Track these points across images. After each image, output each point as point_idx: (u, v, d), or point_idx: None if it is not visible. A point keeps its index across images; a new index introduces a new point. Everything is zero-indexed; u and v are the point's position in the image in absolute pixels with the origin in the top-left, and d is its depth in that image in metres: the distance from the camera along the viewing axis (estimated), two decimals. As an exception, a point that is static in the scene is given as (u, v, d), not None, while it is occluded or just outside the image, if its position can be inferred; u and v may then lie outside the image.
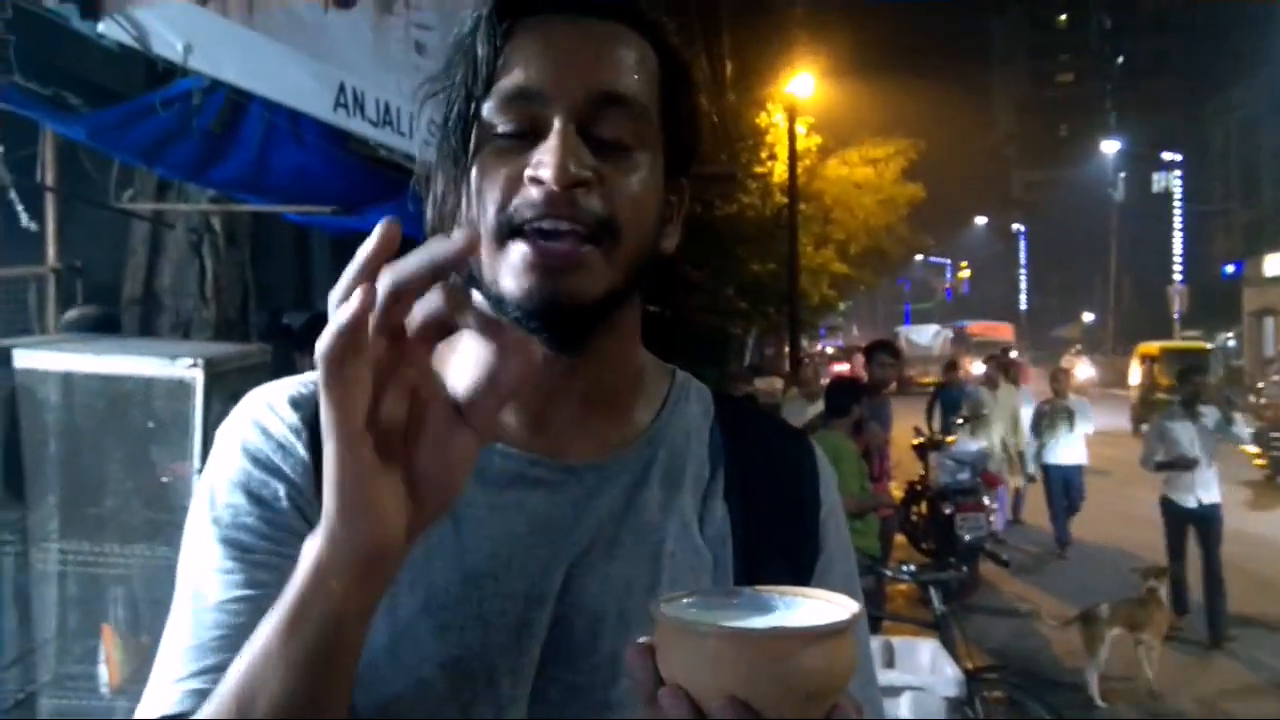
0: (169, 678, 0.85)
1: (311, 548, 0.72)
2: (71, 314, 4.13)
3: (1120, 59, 71.07)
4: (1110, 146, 60.13)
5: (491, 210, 0.89)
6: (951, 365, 15.52)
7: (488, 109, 0.90)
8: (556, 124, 0.88)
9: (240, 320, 6.65)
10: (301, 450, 0.92)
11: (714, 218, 19.61)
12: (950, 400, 13.03)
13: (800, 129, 21.63)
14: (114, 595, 2.92)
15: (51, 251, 5.44)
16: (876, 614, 5.87)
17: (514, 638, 0.89)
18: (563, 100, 0.88)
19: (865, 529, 6.16)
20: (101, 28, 2.52)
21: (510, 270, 0.88)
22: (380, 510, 0.70)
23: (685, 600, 0.73)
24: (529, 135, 0.89)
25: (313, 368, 1.07)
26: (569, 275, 0.87)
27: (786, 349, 22.46)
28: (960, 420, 12.38)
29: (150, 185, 5.97)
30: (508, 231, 0.88)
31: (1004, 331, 45.71)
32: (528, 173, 0.87)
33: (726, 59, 20.67)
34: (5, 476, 2.41)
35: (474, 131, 0.91)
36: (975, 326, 47.15)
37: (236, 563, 0.88)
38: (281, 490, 0.91)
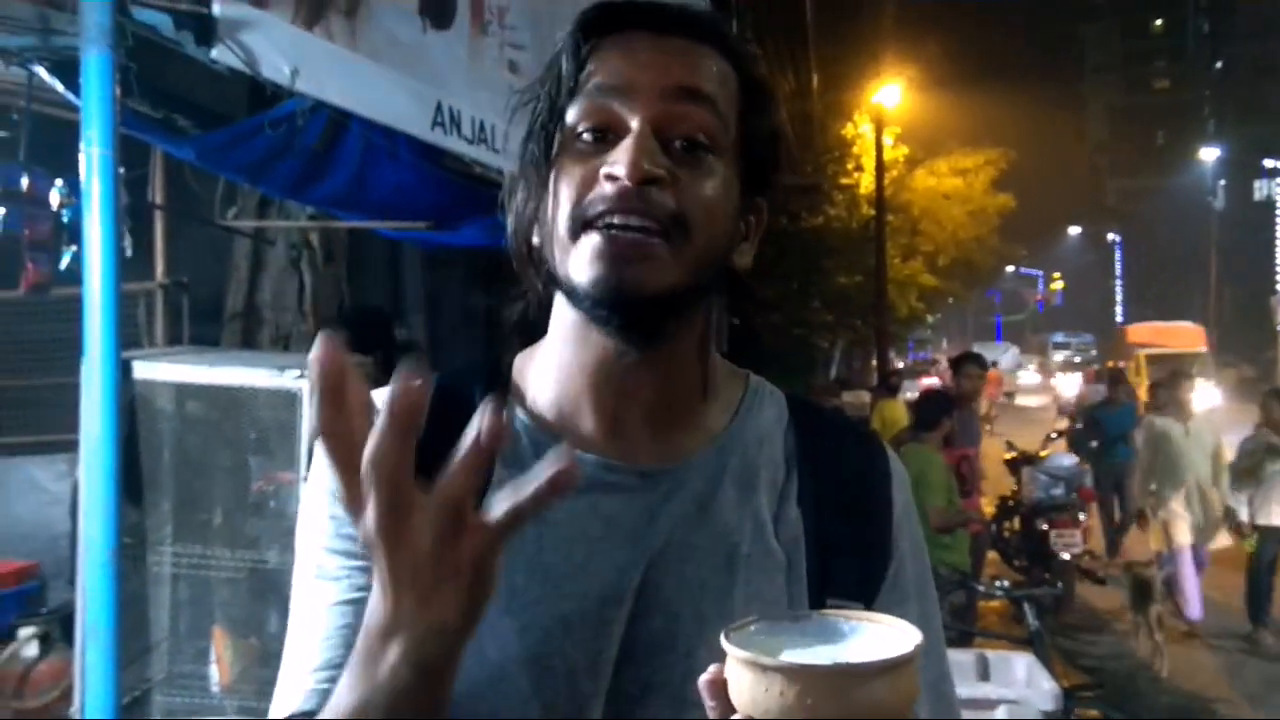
0: (293, 679, 0.93)
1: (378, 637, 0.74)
2: None
3: (1219, 64, 69.24)
4: (1209, 154, 58.62)
5: (567, 206, 0.93)
6: (1115, 380, 12.35)
7: (571, 113, 0.95)
8: (634, 124, 0.92)
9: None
10: None
11: (800, 230, 19.53)
12: (1115, 427, 10.49)
13: (887, 140, 21.46)
14: (223, 598, 3.03)
15: (160, 267, 5.64)
16: (968, 630, 5.79)
17: (592, 636, 0.93)
18: (641, 96, 0.93)
19: (955, 544, 6.08)
20: (215, 53, 2.63)
21: (581, 260, 0.91)
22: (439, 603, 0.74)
23: (752, 628, 0.76)
24: (608, 137, 0.93)
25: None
26: (636, 265, 0.90)
27: (874, 362, 22.23)
28: (1053, 436, 11.91)
29: (252, 203, 6.15)
30: (580, 226, 0.92)
31: (1189, 337, 30.11)
32: (603, 170, 0.91)
33: (813, 70, 20.60)
34: (125, 483, 2.52)
35: (556, 137, 0.95)
36: (1140, 330, 32.05)
37: (341, 569, 0.95)
38: None
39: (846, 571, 0.99)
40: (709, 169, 0.95)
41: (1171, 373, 9.75)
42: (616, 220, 0.90)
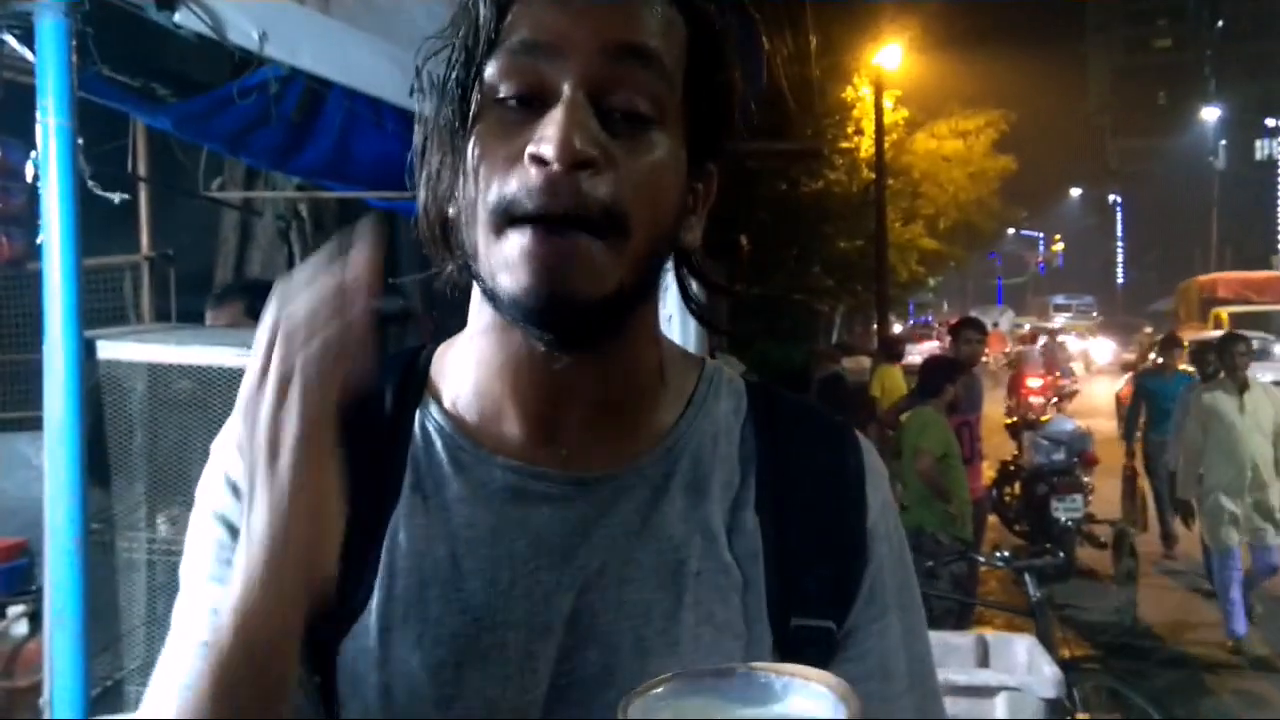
0: (155, 704, 0.83)
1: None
2: None
3: (1220, 23, 68.69)
4: (1210, 114, 58.35)
5: (487, 193, 0.79)
6: (1169, 344, 10.49)
7: (490, 70, 0.81)
8: (565, 90, 0.78)
9: (328, 305, 6.73)
10: None
11: (800, 194, 19.45)
12: (1162, 397, 9.38)
13: (887, 102, 21.30)
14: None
15: (145, 240, 5.57)
16: (970, 601, 5.75)
17: (517, 674, 0.82)
18: (575, 57, 0.79)
19: (959, 513, 6.01)
20: (178, 18, 2.53)
21: (506, 264, 0.78)
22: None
23: (659, 690, 0.63)
24: (534, 103, 0.80)
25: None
26: (570, 272, 0.77)
27: (875, 326, 22.20)
28: (1055, 400, 11.84)
29: (239, 173, 6.07)
30: (504, 220, 0.79)
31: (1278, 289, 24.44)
32: (529, 150, 0.77)
33: (810, 31, 20.38)
34: (93, 466, 2.45)
35: (473, 97, 0.82)
36: (1217, 281, 25.53)
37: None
38: None
39: (813, 586, 0.87)
40: (652, 143, 0.81)
41: (1226, 335, 8.25)
42: (546, 213, 0.77)
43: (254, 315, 3.61)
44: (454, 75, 0.82)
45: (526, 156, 0.78)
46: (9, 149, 3.83)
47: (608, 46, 0.80)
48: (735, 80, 0.89)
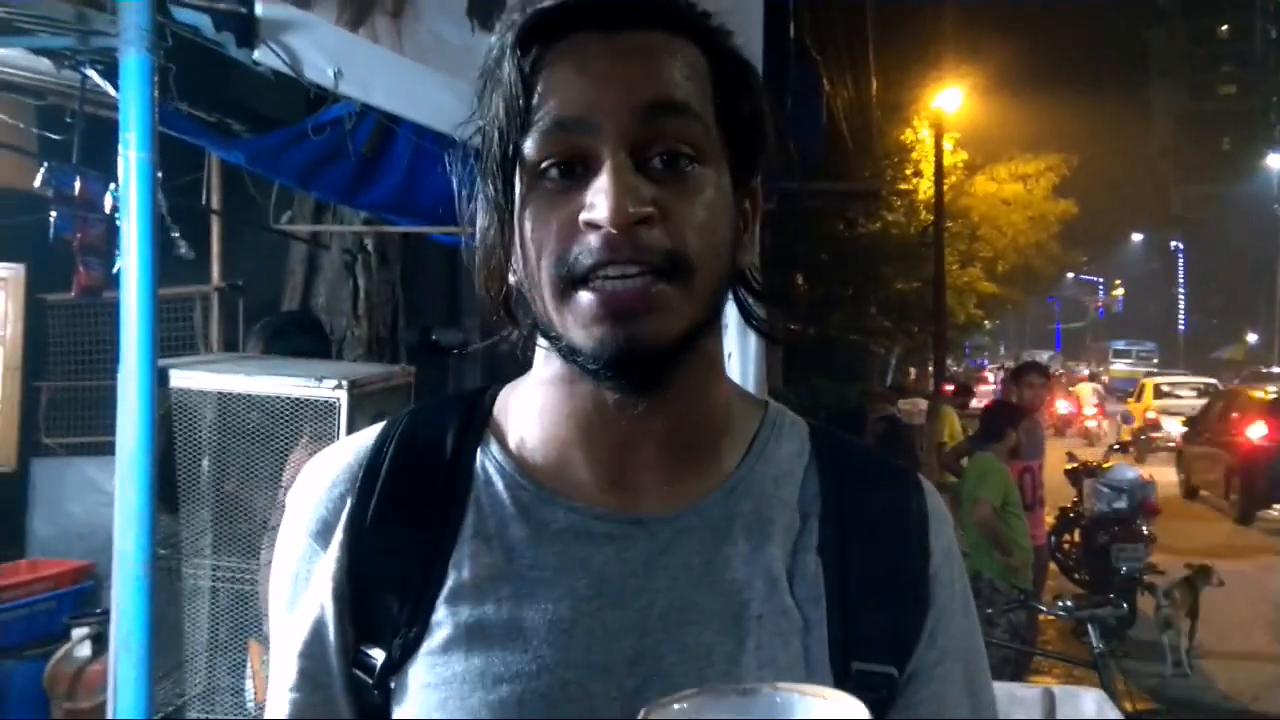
0: None
1: None
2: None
3: (1287, 69, 67.80)
4: (1275, 160, 57.60)
5: (549, 262, 0.81)
6: None
7: (528, 147, 0.82)
8: (607, 157, 0.80)
9: (390, 337, 6.83)
10: (336, 547, 0.88)
11: (858, 235, 19.37)
12: None
13: (947, 145, 21.18)
14: (262, 611, 2.99)
15: (215, 271, 5.69)
16: (1029, 650, 5.63)
17: (579, 713, 0.82)
18: (610, 125, 0.80)
19: (1020, 563, 5.90)
20: (257, 55, 2.59)
21: (579, 321, 0.81)
22: None
23: (681, 705, 0.63)
24: (578, 170, 0.81)
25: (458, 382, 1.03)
26: (645, 319, 0.79)
27: (930, 368, 21.98)
28: (1115, 448, 11.63)
29: (308, 207, 6.18)
30: (569, 284, 0.81)
31: None
32: (583, 217, 0.80)
33: (873, 75, 20.39)
34: (161, 493, 2.50)
35: (515, 174, 0.84)
36: None
37: (292, 682, 0.90)
38: (319, 609, 0.89)
39: (875, 631, 0.87)
40: (699, 181, 0.83)
41: None
42: (611, 272, 0.79)
43: (287, 350, 3.66)
44: (492, 156, 0.84)
45: (581, 223, 0.80)
46: (89, 180, 3.93)
47: (638, 108, 0.81)
48: (763, 101, 0.90)
